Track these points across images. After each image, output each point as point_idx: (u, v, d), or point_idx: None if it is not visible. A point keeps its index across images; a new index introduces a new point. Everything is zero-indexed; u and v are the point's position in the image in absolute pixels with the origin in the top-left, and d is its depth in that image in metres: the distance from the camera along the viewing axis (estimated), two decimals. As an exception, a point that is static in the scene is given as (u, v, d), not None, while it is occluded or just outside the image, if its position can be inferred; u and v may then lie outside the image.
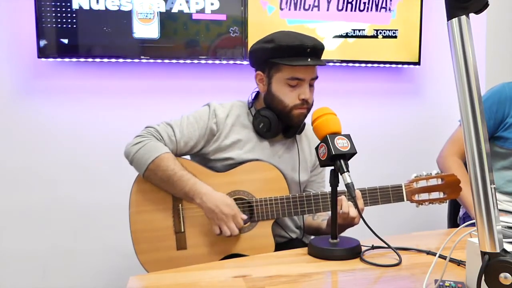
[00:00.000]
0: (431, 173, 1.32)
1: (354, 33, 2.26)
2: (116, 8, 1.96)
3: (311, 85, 1.36)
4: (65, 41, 1.94)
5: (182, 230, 1.31)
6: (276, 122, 1.36)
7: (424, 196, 1.32)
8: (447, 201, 1.33)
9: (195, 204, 1.29)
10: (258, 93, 1.45)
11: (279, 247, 1.32)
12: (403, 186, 1.33)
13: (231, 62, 2.11)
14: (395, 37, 2.31)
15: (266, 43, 1.33)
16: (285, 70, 1.32)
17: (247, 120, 1.42)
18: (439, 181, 1.32)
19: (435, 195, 1.32)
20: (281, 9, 2.16)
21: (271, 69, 1.35)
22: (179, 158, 1.36)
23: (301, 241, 1.47)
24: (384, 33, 2.30)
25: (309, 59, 1.30)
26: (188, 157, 1.43)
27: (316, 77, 1.36)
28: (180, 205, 1.32)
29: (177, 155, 1.35)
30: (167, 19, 2.01)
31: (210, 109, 1.39)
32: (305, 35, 1.35)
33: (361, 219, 1.11)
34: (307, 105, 1.35)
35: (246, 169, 1.35)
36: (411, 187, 1.32)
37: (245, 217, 1.28)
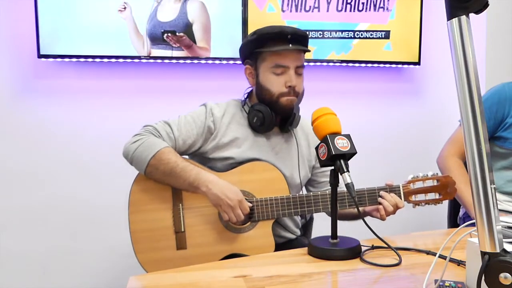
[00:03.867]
0: (427, 174, 1.33)
1: (354, 33, 2.26)
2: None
3: (299, 74, 1.37)
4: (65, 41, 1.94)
5: (182, 230, 1.31)
6: (269, 115, 1.36)
7: (420, 197, 1.33)
8: (443, 202, 1.35)
9: (200, 193, 1.29)
10: (251, 92, 1.47)
11: (279, 247, 1.32)
12: (400, 187, 1.33)
13: (231, 62, 2.11)
14: (394, 36, 2.31)
15: (250, 36, 1.37)
16: (268, 58, 1.34)
17: (242, 118, 1.42)
18: (435, 182, 1.33)
19: (431, 195, 1.33)
20: (283, 11, 2.16)
21: (257, 61, 1.38)
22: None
23: (301, 242, 1.47)
24: (383, 33, 2.30)
25: (290, 45, 1.32)
26: (186, 157, 1.43)
27: (302, 66, 1.37)
28: (180, 204, 1.32)
29: None
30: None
31: (207, 109, 1.40)
32: (287, 25, 1.39)
33: (360, 219, 1.12)
34: (294, 92, 1.35)
35: (247, 169, 1.35)
36: (408, 188, 1.33)
37: (250, 204, 1.29)
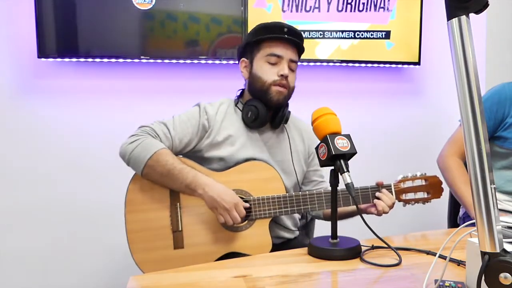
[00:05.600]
0: (416, 174, 1.39)
1: (354, 33, 2.26)
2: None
3: (291, 70, 1.40)
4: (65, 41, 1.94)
5: (180, 229, 1.31)
6: (263, 109, 1.38)
7: (410, 195, 1.38)
8: (431, 201, 1.40)
9: (196, 195, 1.29)
10: (243, 91, 1.49)
11: (278, 248, 1.32)
12: (392, 186, 1.37)
13: (231, 62, 2.11)
14: (394, 37, 2.31)
15: (251, 30, 1.41)
16: (264, 47, 1.38)
17: (235, 115, 1.44)
18: (423, 182, 1.39)
19: (420, 195, 1.39)
20: (283, 11, 2.17)
21: (253, 52, 1.41)
22: (177, 156, 1.36)
23: (301, 242, 1.46)
24: (383, 33, 2.30)
25: (286, 36, 1.37)
26: (180, 157, 1.43)
27: (296, 62, 1.41)
28: (178, 203, 1.32)
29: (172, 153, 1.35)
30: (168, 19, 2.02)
31: (200, 108, 1.41)
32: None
33: (361, 218, 1.12)
34: (286, 83, 1.38)
35: (244, 169, 1.36)
36: (399, 187, 1.37)
37: (247, 205, 1.29)
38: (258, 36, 1.38)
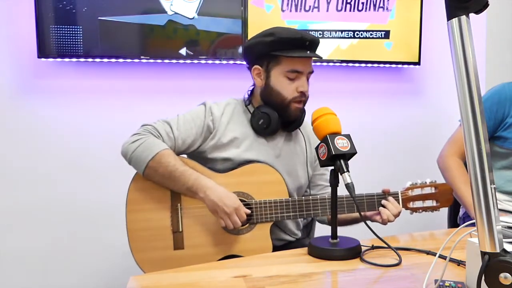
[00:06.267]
0: (425, 182, 1.35)
1: (353, 33, 2.27)
2: None
3: (308, 79, 1.37)
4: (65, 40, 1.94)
5: (180, 230, 1.31)
6: (276, 119, 1.36)
7: (418, 203, 1.35)
8: (440, 209, 1.37)
9: (197, 198, 1.28)
10: (253, 91, 1.45)
11: (278, 250, 1.32)
12: (399, 194, 1.34)
13: (231, 62, 2.11)
14: (394, 36, 2.31)
15: (265, 36, 1.33)
16: (284, 62, 1.33)
17: (243, 117, 1.41)
18: (433, 190, 1.35)
19: (428, 203, 1.36)
20: (283, 10, 2.17)
21: (270, 63, 1.35)
22: (179, 156, 1.35)
23: (302, 244, 1.44)
24: (383, 32, 2.30)
25: (308, 52, 1.32)
26: (185, 157, 1.43)
27: (312, 71, 1.38)
28: (179, 204, 1.31)
29: (175, 153, 1.34)
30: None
31: (206, 107, 1.39)
32: (303, 31, 1.39)
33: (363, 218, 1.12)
34: (304, 98, 1.37)
35: (247, 171, 1.35)
36: (406, 195, 1.34)
37: (248, 211, 1.28)
38: (277, 49, 1.31)
